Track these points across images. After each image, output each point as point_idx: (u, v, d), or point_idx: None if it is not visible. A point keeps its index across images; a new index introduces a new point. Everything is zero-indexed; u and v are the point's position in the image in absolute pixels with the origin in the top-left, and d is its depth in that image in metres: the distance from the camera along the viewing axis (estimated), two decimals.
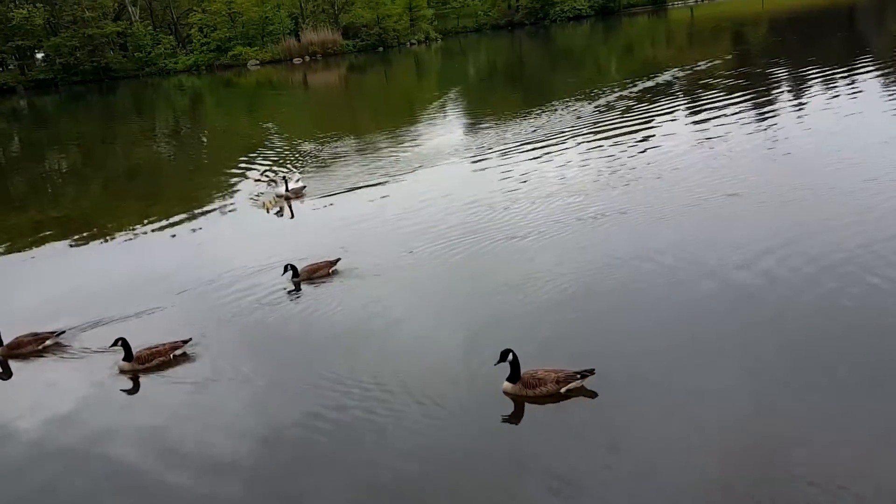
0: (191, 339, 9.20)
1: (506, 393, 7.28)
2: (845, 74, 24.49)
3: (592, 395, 7.20)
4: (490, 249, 11.50)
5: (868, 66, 25.82)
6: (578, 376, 7.19)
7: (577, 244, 11.34)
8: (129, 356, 8.89)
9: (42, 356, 9.60)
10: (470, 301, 9.70)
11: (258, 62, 66.88)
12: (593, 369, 7.22)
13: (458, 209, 13.79)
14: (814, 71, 26.23)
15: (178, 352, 9.06)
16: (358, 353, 8.60)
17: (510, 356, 7.27)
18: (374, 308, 9.83)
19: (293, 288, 10.82)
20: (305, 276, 10.99)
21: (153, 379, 8.71)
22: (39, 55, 70.68)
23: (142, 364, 8.86)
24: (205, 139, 31.33)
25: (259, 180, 18.92)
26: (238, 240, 14.26)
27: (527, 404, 7.18)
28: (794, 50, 34.49)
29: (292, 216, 15.36)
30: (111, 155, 29.25)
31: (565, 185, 14.71)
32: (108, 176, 24.76)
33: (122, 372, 8.84)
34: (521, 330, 8.67)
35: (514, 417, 7.07)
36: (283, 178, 16.87)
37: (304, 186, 16.85)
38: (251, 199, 17.16)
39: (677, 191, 13.46)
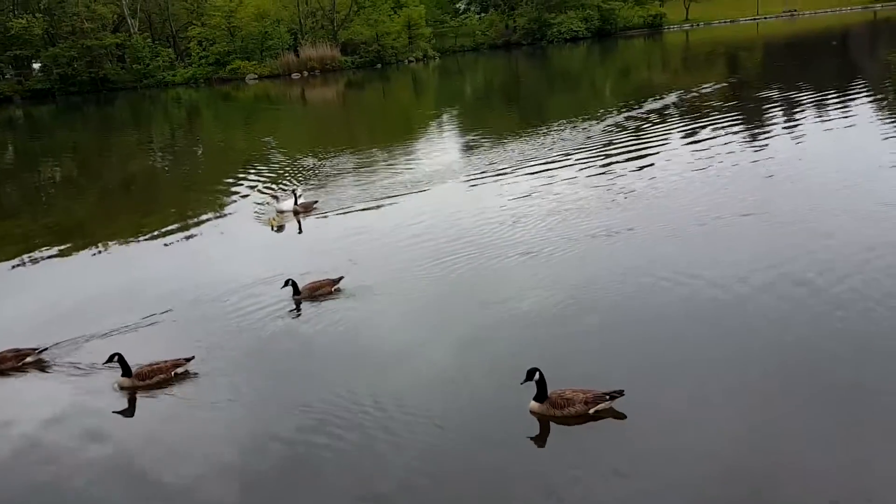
0: (193, 357, 8.97)
1: (532, 413, 7.18)
2: (841, 99, 24.71)
3: (621, 416, 7.09)
4: (493, 266, 11.46)
5: (862, 91, 26.13)
6: (607, 397, 7.09)
7: (582, 261, 11.38)
8: (127, 372, 8.67)
9: (23, 373, 9.36)
10: (473, 317, 9.62)
11: (256, 76, 67.11)
12: (622, 390, 7.10)
13: (460, 226, 13.72)
14: (811, 96, 26.47)
15: (179, 369, 8.82)
16: (359, 372, 8.48)
17: (537, 375, 7.17)
18: (377, 326, 9.75)
19: (294, 306, 10.59)
20: (307, 294, 10.70)
21: (143, 397, 8.52)
22: (36, 65, 70.71)
23: (142, 380, 8.63)
24: (201, 152, 31.27)
25: (263, 193, 18.78)
26: (236, 253, 14.16)
27: (543, 423, 7.11)
28: (792, 75, 34.79)
29: (300, 231, 15.22)
30: (107, 166, 29.14)
31: (567, 203, 14.70)
32: (103, 187, 24.65)
33: (122, 388, 8.61)
34: (527, 347, 8.62)
35: (541, 438, 6.98)
36: (293, 192, 16.64)
37: (316, 201, 16.68)
38: (255, 213, 17.01)
39: (682, 210, 13.52)
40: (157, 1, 73.01)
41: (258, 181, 20.65)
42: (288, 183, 19.89)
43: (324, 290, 10.77)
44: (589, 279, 10.56)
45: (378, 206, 16.35)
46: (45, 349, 9.65)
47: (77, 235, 17.05)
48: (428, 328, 9.63)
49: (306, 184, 19.52)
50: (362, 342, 9.34)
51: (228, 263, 13.22)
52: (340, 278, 11.01)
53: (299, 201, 16.20)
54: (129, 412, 8.31)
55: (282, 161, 23.96)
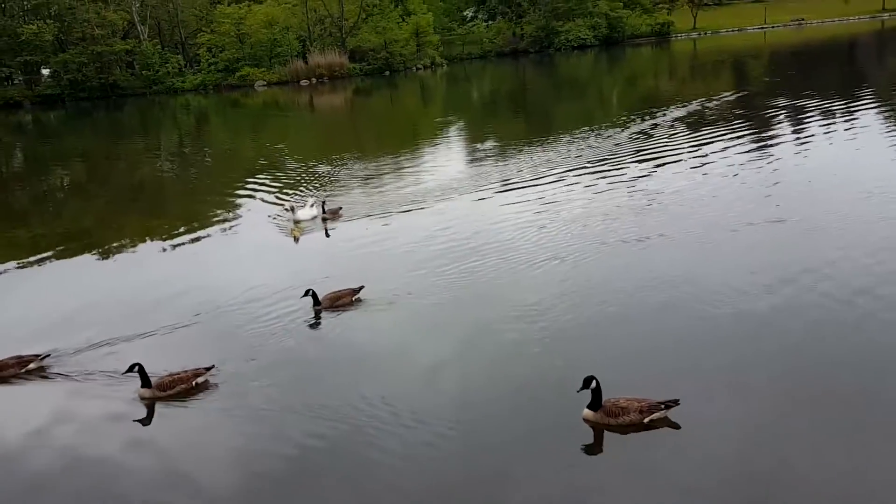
0: (213, 366, 8.83)
1: (586, 420, 7.14)
2: (860, 109, 24.56)
3: (675, 426, 6.98)
4: (520, 273, 11.35)
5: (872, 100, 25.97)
6: (662, 406, 7.00)
7: (614, 267, 11.33)
8: (146, 383, 8.53)
9: (25, 380, 9.23)
10: (504, 326, 9.44)
11: (265, 83, 67.29)
12: (678, 400, 7.01)
13: (483, 234, 13.51)
14: (839, 104, 26.19)
15: (200, 379, 8.67)
16: (381, 381, 8.29)
17: (593, 383, 7.09)
18: (400, 335, 9.56)
19: (313, 316, 10.37)
20: (328, 304, 10.45)
21: (159, 406, 8.42)
22: (45, 71, 71.05)
23: (163, 391, 8.48)
24: (209, 158, 31.27)
25: (280, 202, 18.44)
26: (250, 259, 14.02)
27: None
28: (806, 83, 34.58)
29: (327, 235, 15.09)
30: (115, 172, 29.16)
31: (593, 210, 14.67)
32: (112, 193, 24.62)
33: (143, 399, 8.48)
34: (557, 355, 8.54)
35: (595, 447, 6.94)
36: (322, 202, 16.26)
37: (340, 207, 16.51)
38: (275, 221, 16.61)
39: (713, 216, 13.51)
40: (167, 8, 73.38)
41: (268, 189, 20.49)
42: (303, 190, 19.69)
43: (344, 301, 10.52)
44: (622, 285, 10.47)
45: (394, 215, 16.02)
46: (48, 355, 9.53)
47: (85, 241, 17.02)
48: (456, 339, 9.30)
49: (318, 192, 19.36)
50: (391, 354, 9.09)
51: (242, 269, 13.09)
52: (361, 287, 10.73)
53: (326, 207, 16.05)
54: (146, 421, 8.21)
55: (291, 168, 23.88)
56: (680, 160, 19.08)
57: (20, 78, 70.70)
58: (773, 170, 17.15)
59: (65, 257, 15.56)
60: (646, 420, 6.99)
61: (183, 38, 75.37)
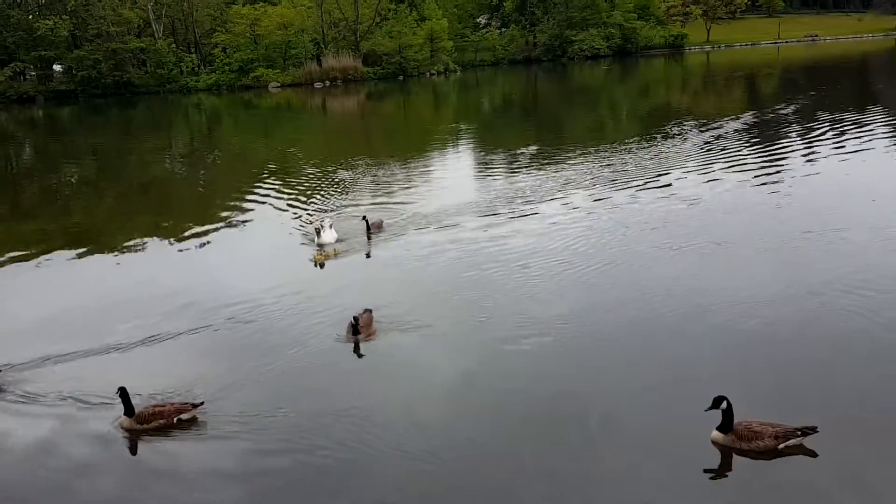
0: (203, 403, 7.87)
1: (715, 443, 6.81)
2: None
3: (812, 454, 6.60)
4: (563, 285, 11.03)
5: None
6: (799, 433, 6.63)
7: (676, 279, 10.94)
8: (129, 410, 7.69)
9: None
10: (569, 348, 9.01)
11: (279, 85, 67.16)
12: (815, 427, 6.63)
13: (516, 249, 12.95)
14: (879, 117, 25.82)
15: (184, 416, 7.70)
16: (401, 419, 7.63)
17: (724, 404, 6.76)
18: (443, 360, 8.93)
19: (351, 344, 9.44)
20: (366, 335, 9.50)
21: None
22: (57, 67, 71.11)
23: (141, 424, 7.63)
24: (219, 160, 31.00)
25: (298, 215, 17.36)
26: (258, 266, 13.66)
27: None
28: (839, 98, 34.09)
29: (368, 255, 13.72)
30: (125, 169, 28.92)
31: (630, 221, 14.46)
32: (120, 191, 24.37)
33: (123, 429, 7.68)
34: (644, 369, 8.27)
35: (723, 468, 6.59)
36: (364, 217, 14.85)
37: (382, 220, 15.26)
38: (296, 232, 15.64)
39: (776, 225, 13.41)
40: (181, 7, 73.43)
41: (277, 194, 20.01)
42: (314, 197, 19.17)
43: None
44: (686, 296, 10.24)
45: (414, 231, 14.99)
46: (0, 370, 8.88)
47: (92, 238, 16.73)
48: (511, 359, 8.76)
49: (333, 199, 18.69)
50: (406, 379, 8.58)
51: (249, 276, 12.74)
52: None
53: (369, 222, 14.65)
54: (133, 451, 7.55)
55: (301, 173, 23.44)
56: (735, 171, 18.72)
57: (33, 73, 70.78)
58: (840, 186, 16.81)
59: (71, 254, 15.26)
60: (781, 446, 6.61)
61: (197, 38, 75.39)
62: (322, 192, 19.77)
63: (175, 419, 7.68)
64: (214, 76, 69.62)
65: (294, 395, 8.30)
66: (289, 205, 18.54)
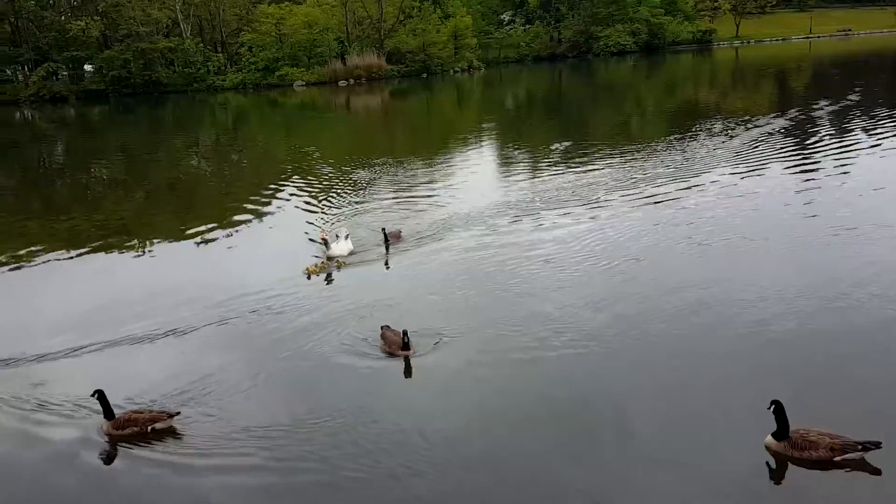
0: (179, 413, 7.71)
1: (768, 448, 6.66)
2: None
3: (875, 472, 6.25)
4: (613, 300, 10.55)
5: None
6: (860, 447, 6.32)
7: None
8: (108, 414, 7.59)
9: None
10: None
11: (304, 83, 67.64)
12: (879, 442, 6.28)
13: (550, 256, 12.57)
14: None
15: (159, 424, 7.53)
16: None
17: (776, 408, 6.61)
18: (453, 377, 8.65)
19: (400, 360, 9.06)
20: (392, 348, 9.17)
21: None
22: (88, 67, 72.41)
23: (117, 429, 7.54)
24: (245, 159, 31.35)
25: (316, 211, 17.39)
26: (277, 265, 13.61)
27: None
28: (857, 93, 33.39)
29: (387, 266, 13.22)
30: (153, 168, 29.38)
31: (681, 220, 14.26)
32: (148, 189, 24.77)
33: (104, 433, 7.60)
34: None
35: (775, 477, 6.43)
36: (383, 230, 14.32)
37: (401, 231, 14.64)
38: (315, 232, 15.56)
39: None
40: (209, 7, 74.29)
41: (301, 193, 20.17)
42: (334, 197, 19.22)
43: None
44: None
45: (436, 237, 14.52)
46: None
47: (122, 235, 17.09)
48: (549, 371, 8.50)
49: (351, 203, 18.40)
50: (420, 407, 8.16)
51: (267, 275, 12.80)
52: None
53: (387, 232, 14.21)
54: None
55: (324, 173, 23.57)
56: (779, 168, 18.45)
57: (65, 73, 72.19)
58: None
59: (100, 250, 15.61)
60: (836, 459, 6.34)
61: (224, 37, 76.25)
62: (342, 193, 19.83)
63: (149, 428, 7.55)
64: (240, 75, 70.37)
65: (323, 406, 8.10)
66: (310, 205, 18.62)
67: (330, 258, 13.16)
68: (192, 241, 16.08)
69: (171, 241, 16.31)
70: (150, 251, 15.66)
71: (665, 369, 8.34)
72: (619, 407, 7.62)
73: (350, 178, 21.74)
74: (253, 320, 10.66)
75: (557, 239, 13.62)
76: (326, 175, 22.81)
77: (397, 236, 14.35)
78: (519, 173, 21.26)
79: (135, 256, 15.31)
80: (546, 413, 7.67)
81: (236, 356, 9.49)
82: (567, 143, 25.42)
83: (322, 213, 17.64)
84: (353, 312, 10.67)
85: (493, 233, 14.53)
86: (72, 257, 15.17)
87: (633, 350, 8.86)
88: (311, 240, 15.02)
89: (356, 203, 18.45)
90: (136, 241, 16.47)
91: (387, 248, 13.92)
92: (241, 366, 9.21)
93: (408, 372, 8.81)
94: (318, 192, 20.06)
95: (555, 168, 21.21)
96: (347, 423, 7.66)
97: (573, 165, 21.13)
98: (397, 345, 9.05)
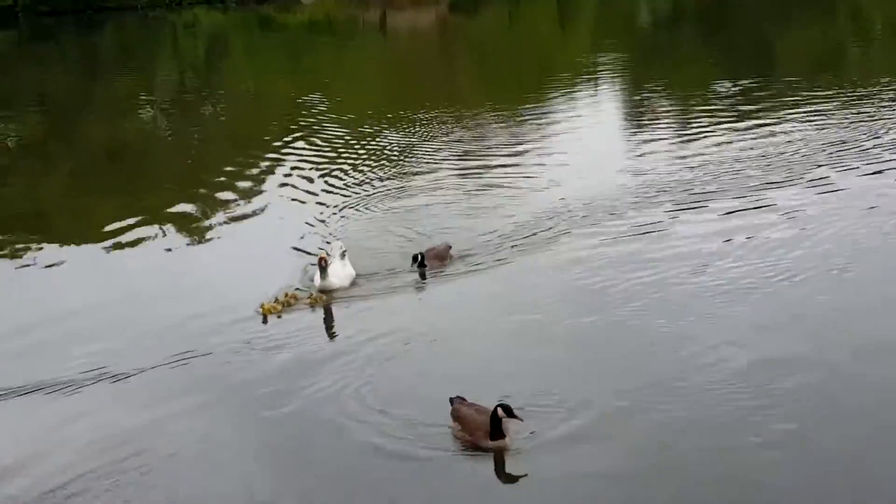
0: None
1: None
2: None
3: None
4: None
5: None
6: None
7: None
8: None
9: None
10: None
11: None
12: None
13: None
14: None
15: None
16: None
17: None
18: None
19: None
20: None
21: None
22: None
23: None
24: (223, 111, 32.18)
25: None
26: (262, 277, 14.11)
27: None
28: None
29: (423, 278, 13.58)
30: (88, 126, 30.15)
31: None
32: (79, 159, 25.56)
33: None
34: None
35: None
36: (419, 254, 13.97)
37: (449, 245, 14.38)
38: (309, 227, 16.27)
39: None
40: None
41: (305, 167, 20.71)
42: (353, 176, 19.50)
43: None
44: None
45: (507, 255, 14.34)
46: None
47: (34, 231, 17.78)
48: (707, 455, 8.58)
49: (372, 193, 18.42)
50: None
51: (247, 291, 13.20)
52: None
53: (430, 249, 14.15)
54: None
55: (340, 137, 23.94)
56: None
57: None
58: None
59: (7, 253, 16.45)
60: None
61: None
62: (365, 170, 20.02)
63: None
64: None
65: None
66: (313, 190, 18.91)
67: (323, 291, 13.22)
68: (136, 238, 16.59)
69: (105, 240, 16.67)
70: (74, 254, 16.19)
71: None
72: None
73: (379, 148, 22.09)
74: (219, 361, 11.06)
75: (731, 245, 13.57)
76: (343, 141, 23.26)
77: (442, 256, 14.08)
78: (659, 138, 21.33)
79: (50, 264, 15.65)
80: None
81: (196, 418, 9.82)
82: (739, 86, 25.40)
83: (331, 204, 17.74)
84: (378, 355, 10.90)
85: (618, 236, 14.45)
86: None
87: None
88: (299, 251, 15.19)
89: (383, 190, 18.46)
90: (54, 238, 17.09)
91: (422, 275, 13.75)
92: (199, 433, 9.52)
93: (503, 476, 8.61)
94: (327, 169, 20.42)
95: (719, 127, 21.22)
96: None
97: (751, 123, 21.05)
98: (483, 430, 8.74)
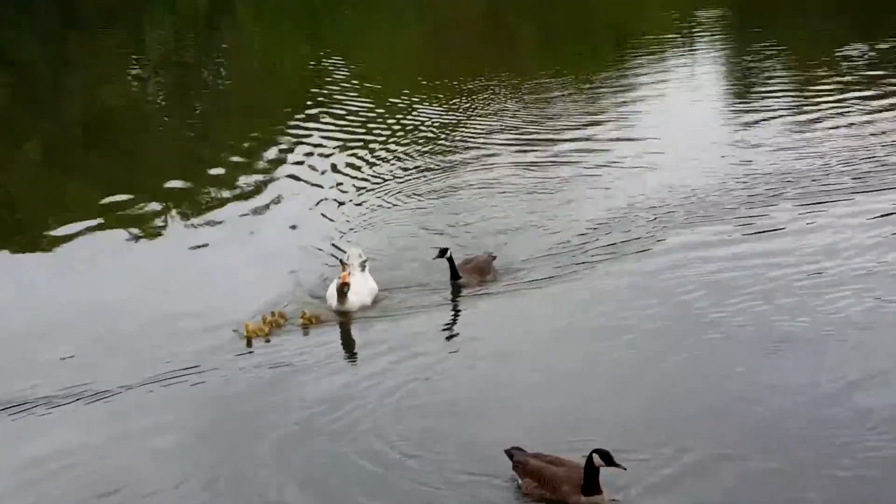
0: None
1: None
2: None
3: None
4: None
5: None
6: None
7: None
8: None
9: None
10: None
11: None
12: None
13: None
14: None
15: None
16: None
17: None
18: None
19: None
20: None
21: None
22: None
23: None
24: (225, 77, 32.40)
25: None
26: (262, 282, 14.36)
27: None
28: None
29: (455, 311, 13.62)
30: (61, 96, 30.61)
31: None
32: (52, 135, 25.81)
33: None
34: None
35: None
36: (443, 253, 14.15)
37: (494, 256, 14.53)
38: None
39: None
40: None
41: (321, 151, 20.94)
42: (376, 165, 19.70)
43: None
44: None
45: (565, 260, 14.40)
46: None
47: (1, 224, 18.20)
48: None
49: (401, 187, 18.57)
50: None
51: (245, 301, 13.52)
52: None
53: (468, 259, 14.38)
54: None
55: (364, 109, 24.25)
56: None
57: None
58: None
59: None
60: None
61: None
62: (397, 154, 20.29)
63: None
64: None
65: None
66: (331, 183, 18.98)
67: (340, 312, 13.50)
68: (120, 234, 16.84)
69: (83, 235, 16.89)
70: (46, 251, 16.46)
71: None
72: None
73: (413, 125, 22.33)
74: (207, 384, 11.32)
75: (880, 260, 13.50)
76: (367, 116, 23.48)
77: (482, 269, 14.18)
78: (775, 115, 21.34)
79: (16, 262, 16.09)
80: None
81: (185, 457, 9.94)
82: (878, 50, 25.40)
83: (351, 196, 18.02)
84: (401, 389, 11.03)
85: (722, 244, 14.45)
86: None
87: None
88: (323, 253, 15.49)
89: (416, 180, 18.69)
90: (17, 236, 17.43)
91: (455, 290, 13.84)
92: (189, 467, 9.68)
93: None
94: (348, 151, 20.71)
95: (852, 104, 21.25)
96: None
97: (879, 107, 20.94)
98: (572, 483, 8.83)
